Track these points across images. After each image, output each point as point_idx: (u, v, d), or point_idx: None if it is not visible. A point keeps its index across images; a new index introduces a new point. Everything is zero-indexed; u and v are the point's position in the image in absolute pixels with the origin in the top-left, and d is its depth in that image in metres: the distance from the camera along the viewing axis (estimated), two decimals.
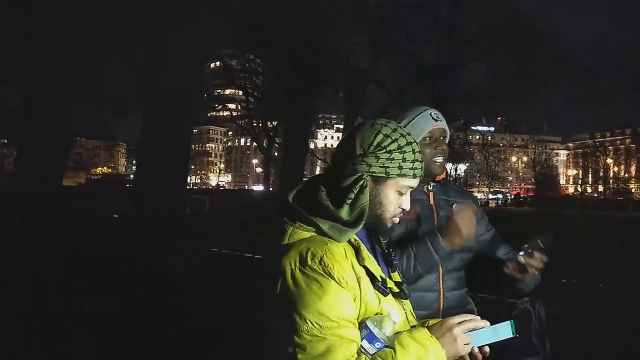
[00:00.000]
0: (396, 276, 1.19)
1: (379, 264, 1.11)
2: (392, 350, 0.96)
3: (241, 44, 21.55)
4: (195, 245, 8.79)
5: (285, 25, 15.01)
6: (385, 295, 1.05)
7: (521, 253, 1.53)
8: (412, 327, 1.09)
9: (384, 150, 1.07)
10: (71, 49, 11.95)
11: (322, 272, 0.97)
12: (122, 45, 13.44)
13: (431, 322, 1.12)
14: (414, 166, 1.10)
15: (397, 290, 1.11)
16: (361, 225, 1.06)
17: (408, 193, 1.13)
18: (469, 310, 1.66)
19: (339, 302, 0.96)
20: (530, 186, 60.50)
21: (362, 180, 1.06)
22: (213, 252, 8.57)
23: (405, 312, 1.13)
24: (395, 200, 1.11)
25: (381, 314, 1.02)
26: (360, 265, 1.03)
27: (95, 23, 11.84)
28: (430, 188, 1.69)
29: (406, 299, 1.14)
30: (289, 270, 0.98)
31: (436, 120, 1.67)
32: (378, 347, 0.97)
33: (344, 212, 1.04)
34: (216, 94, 32.58)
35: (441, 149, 1.67)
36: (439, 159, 1.66)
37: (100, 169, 66.52)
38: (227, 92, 36.52)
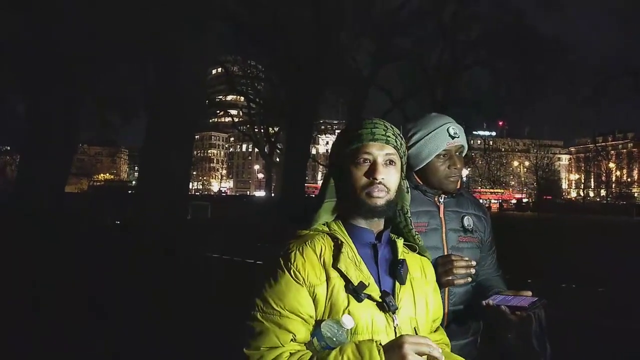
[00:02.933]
0: (398, 287, 1.11)
1: (378, 272, 1.09)
2: (330, 353, 0.96)
3: (243, 50, 21.66)
4: (196, 251, 8.79)
5: (288, 32, 15.09)
6: (358, 301, 1.04)
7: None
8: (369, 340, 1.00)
9: (338, 140, 1.18)
10: (78, 56, 12.03)
11: (282, 265, 1.04)
12: (125, 52, 13.53)
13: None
14: (360, 132, 1.13)
15: (378, 300, 1.06)
16: (327, 202, 1.13)
17: (378, 162, 1.11)
18: (473, 324, 1.60)
19: (286, 294, 1.02)
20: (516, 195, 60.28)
21: (329, 171, 1.17)
22: (214, 257, 8.57)
23: (396, 327, 1.07)
24: (359, 175, 1.11)
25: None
26: (333, 267, 1.05)
27: (100, 30, 11.92)
28: (441, 200, 1.61)
29: (391, 312, 1.07)
30: (264, 261, 1.10)
31: (453, 138, 1.56)
32: (323, 346, 0.99)
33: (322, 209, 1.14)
34: (218, 100, 32.71)
35: (455, 168, 1.57)
36: (453, 178, 1.57)
37: (102, 175, 66.63)
38: (229, 98, 36.64)
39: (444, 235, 1.57)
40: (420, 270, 1.21)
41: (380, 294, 1.06)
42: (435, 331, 1.25)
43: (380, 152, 1.12)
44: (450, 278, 1.40)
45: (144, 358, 3.69)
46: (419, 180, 1.59)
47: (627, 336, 3.46)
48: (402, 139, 1.18)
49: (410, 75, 22.86)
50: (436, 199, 1.60)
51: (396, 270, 1.11)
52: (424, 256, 1.25)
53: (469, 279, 1.44)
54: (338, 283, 1.04)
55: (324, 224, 1.14)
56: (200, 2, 10.79)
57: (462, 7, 21.59)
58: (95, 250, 8.04)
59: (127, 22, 11.53)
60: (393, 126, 1.18)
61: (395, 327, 1.07)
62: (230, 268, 7.65)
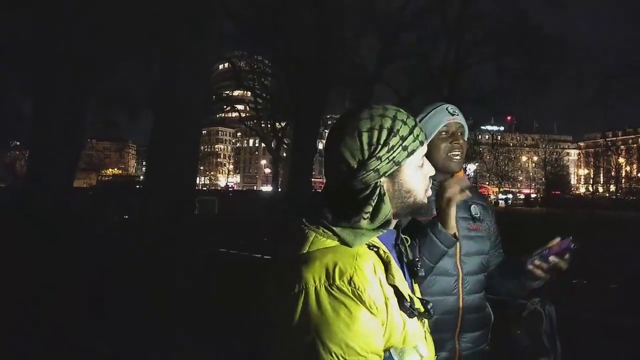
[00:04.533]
0: (417, 289, 1.06)
1: (405, 277, 0.97)
2: None
3: (249, 46, 21.69)
4: (204, 246, 8.82)
5: (294, 29, 15.06)
6: (411, 317, 0.91)
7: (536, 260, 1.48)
8: None
9: (380, 146, 0.93)
10: (85, 51, 12.09)
11: (351, 294, 0.82)
12: (134, 47, 13.58)
13: None
14: (415, 136, 0.96)
15: (422, 310, 0.96)
16: (383, 231, 0.93)
17: (425, 160, 1.01)
18: (486, 314, 1.62)
19: (368, 333, 0.83)
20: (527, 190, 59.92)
21: (378, 189, 0.93)
22: (222, 252, 8.59)
23: (425, 331, 0.98)
24: (420, 177, 0.99)
25: (405, 340, 0.90)
26: (389, 284, 0.88)
27: (108, 25, 11.96)
28: None
29: (430, 318, 0.97)
30: (313, 289, 0.82)
31: (452, 115, 1.59)
32: None
33: (365, 224, 0.90)
34: (225, 95, 32.78)
35: (458, 144, 1.58)
36: (456, 155, 1.58)
37: (110, 170, 67.08)
38: (236, 93, 36.71)
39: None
40: None
41: (422, 303, 0.97)
42: None
43: (423, 150, 1.02)
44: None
45: (144, 358, 3.68)
46: None
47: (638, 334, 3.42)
48: None
49: (416, 73, 22.76)
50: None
51: (414, 270, 1.03)
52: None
53: None
54: (394, 302, 0.89)
55: None
56: (201, 1, 10.78)
57: (466, 6, 21.43)
58: (97, 249, 8.06)
59: (129, 22, 11.57)
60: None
61: (425, 332, 0.99)
62: (237, 264, 7.67)
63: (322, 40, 15.18)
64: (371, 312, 0.83)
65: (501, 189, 56.91)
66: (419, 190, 0.99)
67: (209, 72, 14.06)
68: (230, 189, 68.72)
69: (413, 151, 0.96)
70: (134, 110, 17.45)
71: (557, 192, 51.43)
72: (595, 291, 5.52)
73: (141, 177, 44.79)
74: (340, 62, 17.66)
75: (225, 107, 35.66)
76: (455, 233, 1.45)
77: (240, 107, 38.82)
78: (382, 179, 0.94)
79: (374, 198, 0.91)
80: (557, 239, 1.48)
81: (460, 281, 1.55)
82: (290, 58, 15.94)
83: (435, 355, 1.01)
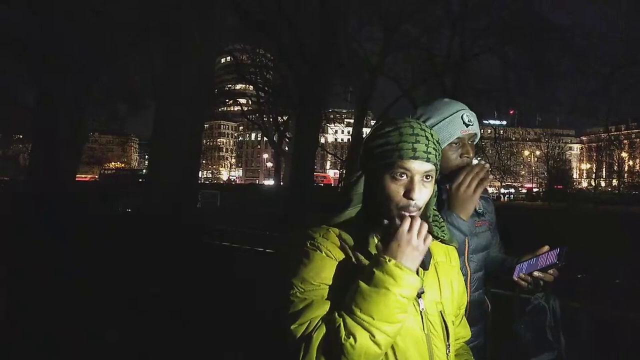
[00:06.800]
0: (427, 275, 1.15)
1: None
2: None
3: (252, 38, 21.59)
4: (206, 239, 8.82)
5: (296, 19, 14.98)
6: None
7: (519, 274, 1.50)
8: None
9: (373, 142, 1.13)
10: (88, 44, 12.07)
11: (315, 246, 1.09)
12: (136, 40, 13.54)
13: None
14: (401, 146, 1.07)
15: None
16: (352, 208, 1.13)
17: (416, 181, 1.08)
18: (485, 307, 1.64)
19: (323, 269, 1.07)
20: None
21: (360, 174, 1.14)
22: (224, 246, 8.60)
23: (422, 311, 1.11)
24: (395, 190, 1.08)
25: None
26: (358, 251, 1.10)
27: (110, 15, 11.92)
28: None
29: (417, 296, 1.09)
30: (290, 248, 1.13)
31: (467, 126, 1.51)
32: None
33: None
34: (227, 88, 32.70)
35: (468, 157, 1.53)
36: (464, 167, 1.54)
37: (113, 163, 67.19)
38: (238, 87, 36.60)
39: None
40: (445, 255, 1.22)
41: None
42: (459, 323, 1.27)
43: (419, 169, 1.08)
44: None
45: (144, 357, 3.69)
46: None
47: None
48: (439, 147, 1.14)
49: (419, 63, 22.63)
50: (448, 187, 1.56)
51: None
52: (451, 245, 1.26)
53: None
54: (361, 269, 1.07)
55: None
56: None
57: None
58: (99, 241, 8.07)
59: (132, 11, 11.53)
60: (432, 133, 1.13)
61: (421, 312, 1.11)
62: (239, 257, 7.67)
63: (326, 29, 15.10)
64: (328, 257, 1.08)
65: (503, 184, 56.80)
66: (392, 201, 1.11)
67: (213, 63, 14.02)
68: (233, 183, 68.82)
69: (391, 158, 1.11)
70: (137, 102, 17.44)
71: (559, 187, 51.29)
72: (599, 285, 5.51)
73: (144, 171, 44.87)
74: (344, 53, 17.56)
75: (227, 100, 35.62)
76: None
77: (242, 100, 38.76)
78: (369, 174, 1.16)
79: (353, 180, 1.17)
80: (546, 247, 1.47)
81: (469, 280, 1.54)
82: (293, 48, 15.88)
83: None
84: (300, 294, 1.05)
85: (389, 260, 0.99)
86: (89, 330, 3.91)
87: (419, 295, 1.10)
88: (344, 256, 1.08)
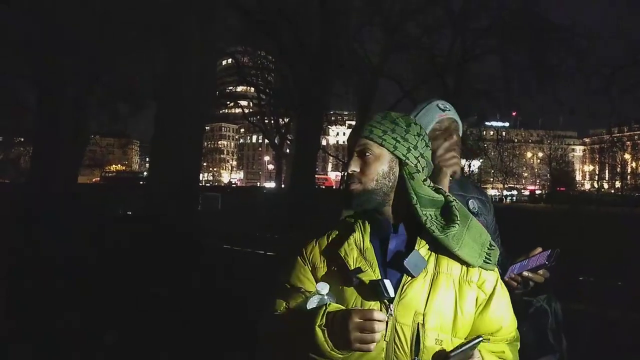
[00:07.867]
0: (413, 282, 1.09)
1: (385, 262, 1.12)
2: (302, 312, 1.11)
3: (253, 40, 21.62)
4: (207, 243, 8.83)
5: (296, 19, 14.99)
6: (349, 285, 1.10)
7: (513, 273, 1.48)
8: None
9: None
10: (90, 43, 12.06)
11: (297, 250, 1.22)
12: (136, 41, 13.55)
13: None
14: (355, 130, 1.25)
15: (366, 283, 1.08)
16: (347, 205, 1.18)
17: (352, 153, 1.18)
18: None
19: (292, 272, 1.20)
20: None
21: None
22: (225, 249, 8.60)
23: (389, 316, 1.05)
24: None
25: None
26: (337, 252, 1.14)
27: (112, 16, 11.93)
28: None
29: (385, 300, 1.06)
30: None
31: (443, 110, 1.59)
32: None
33: None
34: (228, 91, 32.71)
35: (452, 140, 1.55)
36: (452, 156, 1.54)
37: (114, 166, 67.29)
38: (239, 89, 36.62)
39: None
40: (461, 268, 1.12)
41: (372, 280, 1.08)
42: (488, 340, 1.11)
43: (358, 143, 1.16)
44: None
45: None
46: None
47: None
48: (403, 132, 1.16)
49: (420, 64, 22.61)
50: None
51: (401, 262, 1.08)
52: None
53: None
54: (339, 266, 1.13)
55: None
56: None
57: None
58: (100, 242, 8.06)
59: (134, 13, 11.55)
60: (399, 119, 1.18)
61: (388, 316, 1.05)
62: (239, 259, 7.66)
63: (326, 29, 15.10)
64: (302, 261, 1.20)
65: (506, 186, 56.72)
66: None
67: (215, 64, 14.02)
68: (234, 185, 68.87)
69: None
70: (137, 103, 17.43)
71: (562, 189, 51.23)
72: (601, 288, 5.48)
73: (145, 174, 44.92)
74: (345, 53, 17.55)
75: (228, 103, 35.66)
76: None
77: (243, 103, 38.83)
78: None
79: None
80: (539, 249, 1.47)
81: None
82: (293, 48, 15.88)
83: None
84: (280, 285, 1.20)
85: (323, 332, 1.02)
86: (89, 330, 3.89)
87: (387, 300, 1.06)
88: (322, 260, 1.18)
